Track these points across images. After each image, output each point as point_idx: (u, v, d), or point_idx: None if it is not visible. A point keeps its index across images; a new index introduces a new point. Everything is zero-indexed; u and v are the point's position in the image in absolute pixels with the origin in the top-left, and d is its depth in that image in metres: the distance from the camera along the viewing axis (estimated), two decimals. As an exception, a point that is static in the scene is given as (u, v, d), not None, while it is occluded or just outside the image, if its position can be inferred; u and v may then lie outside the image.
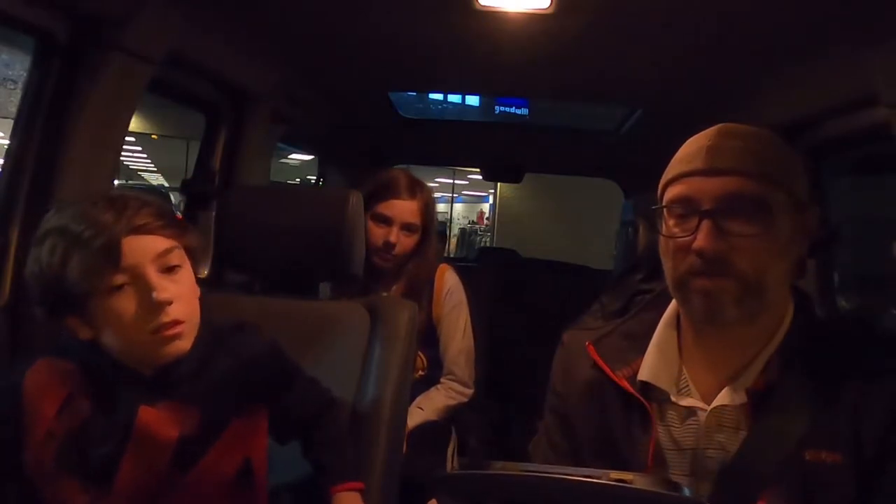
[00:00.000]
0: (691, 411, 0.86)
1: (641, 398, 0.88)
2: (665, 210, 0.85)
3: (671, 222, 0.84)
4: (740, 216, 0.79)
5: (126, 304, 0.89)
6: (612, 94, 2.09)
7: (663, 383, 0.88)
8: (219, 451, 0.99)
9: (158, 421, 0.95)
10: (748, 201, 0.79)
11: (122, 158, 1.49)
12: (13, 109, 1.46)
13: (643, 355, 0.91)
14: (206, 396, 0.98)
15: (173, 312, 0.91)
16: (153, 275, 0.90)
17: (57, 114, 1.26)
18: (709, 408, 0.85)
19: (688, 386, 0.88)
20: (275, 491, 1.10)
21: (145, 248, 0.90)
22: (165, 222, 0.93)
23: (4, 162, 1.30)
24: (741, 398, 0.83)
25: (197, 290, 0.98)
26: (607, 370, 0.91)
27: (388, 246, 1.81)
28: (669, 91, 1.84)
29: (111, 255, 0.87)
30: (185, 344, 0.94)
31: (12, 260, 1.24)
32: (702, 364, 0.88)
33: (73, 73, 1.26)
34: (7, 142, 1.33)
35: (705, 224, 0.79)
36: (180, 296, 0.93)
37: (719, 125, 0.86)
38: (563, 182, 9.40)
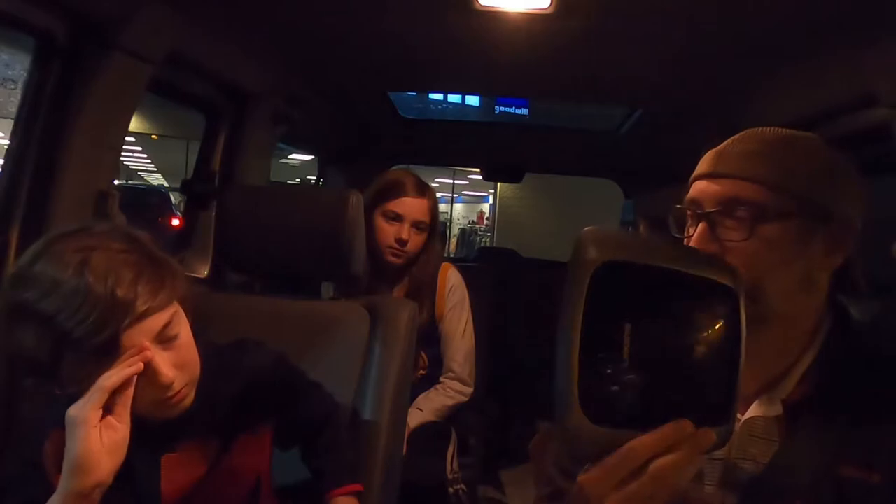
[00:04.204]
0: None
1: None
2: (676, 212, 0.86)
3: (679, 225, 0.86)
4: (736, 220, 0.79)
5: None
6: (612, 94, 2.09)
7: None
8: (229, 470, 0.98)
9: (183, 464, 0.94)
10: (745, 206, 0.79)
11: (122, 158, 1.49)
12: (13, 109, 1.46)
13: None
14: (219, 424, 0.98)
15: (178, 385, 0.86)
16: (155, 356, 0.83)
17: (57, 114, 1.26)
18: (742, 418, 0.83)
19: None
20: (276, 495, 1.10)
21: (146, 331, 0.82)
22: (161, 288, 0.83)
23: (4, 162, 1.30)
24: (776, 410, 0.81)
25: (193, 342, 0.91)
26: None
27: (401, 242, 1.83)
28: (669, 91, 1.84)
29: (109, 354, 0.79)
30: (189, 401, 0.90)
31: (12, 260, 1.24)
32: None
33: (73, 73, 1.26)
34: (7, 142, 1.33)
35: (700, 226, 0.81)
36: (182, 363, 0.87)
37: (754, 128, 0.85)
38: (563, 182, 9.41)
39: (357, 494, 1.08)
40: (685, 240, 0.83)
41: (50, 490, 0.83)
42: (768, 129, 0.85)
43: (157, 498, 0.92)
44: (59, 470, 0.83)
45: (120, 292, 0.78)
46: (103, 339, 0.77)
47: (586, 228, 0.60)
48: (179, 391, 0.87)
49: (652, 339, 0.56)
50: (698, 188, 0.83)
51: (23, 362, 0.80)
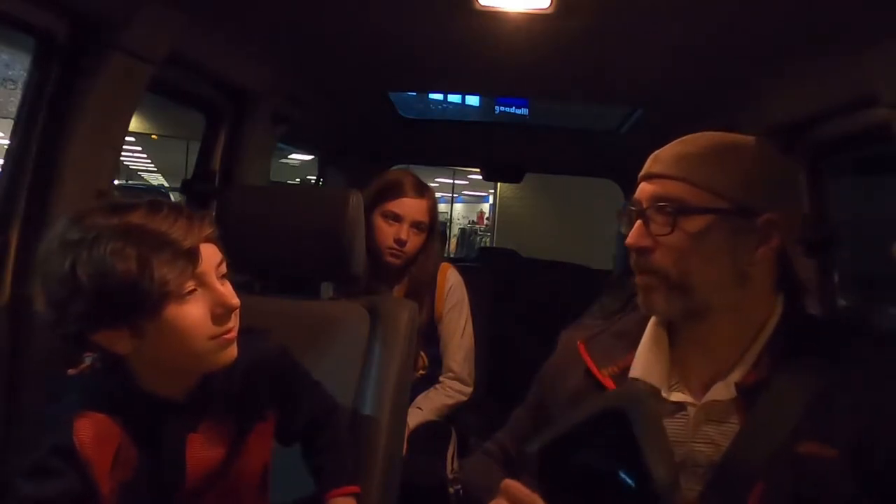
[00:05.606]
0: (680, 406, 0.88)
1: None
2: (623, 211, 0.94)
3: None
4: (663, 215, 0.85)
5: (196, 310, 0.87)
6: (612, 94, 2.09)
7: (655, 380, 0.90)
8: (244, 459, 1.00)
9: (205, 443, 0.96)
10: (669, 202, 0.85)
11: (122, 158, 1.49)
12: (13, 109, 1.46)
13: (632, 352, 0.93)
14: (233, 406, 0.99)
15: (234, 318, 0.92)
16: (217, 283, 0.90)
17: (57, 114, 1.26)
18: (699, 403, 0.86)
19: (678, 382, 0.90)
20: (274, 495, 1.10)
21: (211, 256, 0.90)
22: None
23: (4, 162, 1.30)
24: (731, 393, 0.84)
25: None
26: (593, 369, 0.94)
27: (400, 243, 1.83)
28: (669, 91, 1.84)
29: (194, 260, 0.86)
30: (234, 350, 0.93)
31: (12, 260, 1.24)
32: (689, 361, 0.90)
33: (73, 73, 1.26)
34: (7, 142, 1.33)
35: (637, 223, 0.88)
36: None
37: (693, 134, 0.91)
38: (562, 182, 9.40)
39: (355, 496, 1.08)
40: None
41: (88, 477, 0.85)
42: (705, 133, 0.90)
43: (182, 475, 0.94)
44: (100, 456, 0.86)
45: (193, 218, 0.88)
46: (190, 245, 0.85)
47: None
48: (234, 328, 0.92)
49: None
50: (639, 188, 0.90)
51: (92, 285, 0.80)
